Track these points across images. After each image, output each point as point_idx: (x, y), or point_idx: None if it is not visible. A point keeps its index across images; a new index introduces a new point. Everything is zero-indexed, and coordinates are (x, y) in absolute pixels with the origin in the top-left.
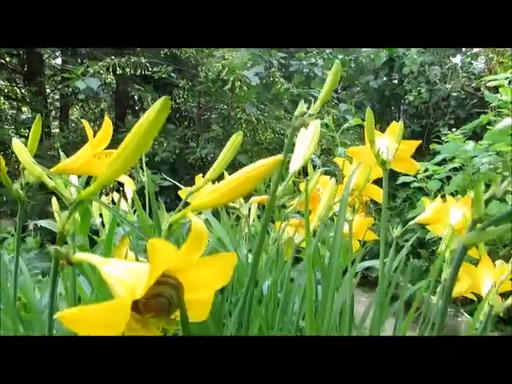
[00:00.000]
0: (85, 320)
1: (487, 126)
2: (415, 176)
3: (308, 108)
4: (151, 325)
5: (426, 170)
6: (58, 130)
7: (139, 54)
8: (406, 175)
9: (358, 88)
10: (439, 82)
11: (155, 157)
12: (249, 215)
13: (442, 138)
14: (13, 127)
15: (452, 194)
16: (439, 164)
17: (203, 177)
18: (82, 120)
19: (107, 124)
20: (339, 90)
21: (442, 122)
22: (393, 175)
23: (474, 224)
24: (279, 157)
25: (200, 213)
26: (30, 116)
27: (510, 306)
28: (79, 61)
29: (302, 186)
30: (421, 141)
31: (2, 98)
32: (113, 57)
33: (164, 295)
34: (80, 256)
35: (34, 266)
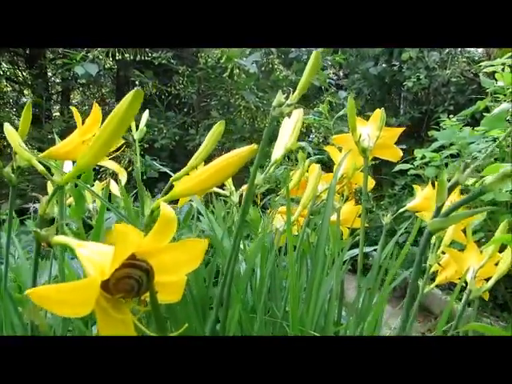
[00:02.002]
0: (54, 298)
1: (484, 113)
2: (412, 163)
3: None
4: (122, 305)
5: (424, 157)
6: (58, 114)
7: None
8: (405, 162)
9: (359, 75)
10: (438, 68)
11: (155, 143)
12: (240, 203)
13: (440, 125)
14: (14, 110)
15: (448, 180)
16: (437, 151)
17: None
18: (71, 107)
19: (96, 111)
20: (341, 77)
21: (442, 108)
22: (391, 163)
23: (438, 210)
24: (254, 146)
25: (191, 200)
26: (31, 99)
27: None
28: None
29: (296, 175)
30: (404, 128)
31: (4, 81)
32: None
33: (133, 277)
34: (58, 239)
35: (33, 248)
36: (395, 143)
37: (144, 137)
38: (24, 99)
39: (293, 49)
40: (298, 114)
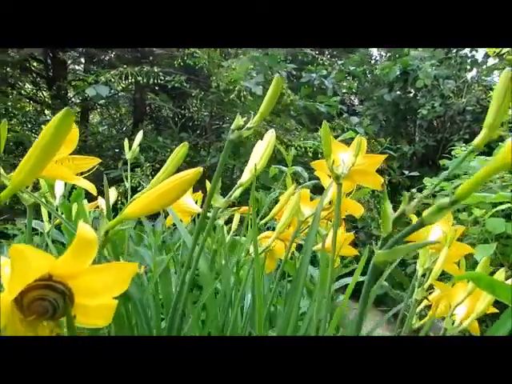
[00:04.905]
0: None
1: (500, 142)
2: (421, 192)
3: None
4: (37, 327)
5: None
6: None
7: (154, 62)
8: (418, 190)
9: (374, 101)
10: (454, 96)
11: None
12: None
13: (452, 153)
14: (34, 129)
15: (458, 211)
16: (449, 180)
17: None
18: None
19: (71, 131)
20: (356, 103)
21: (457, 136)
22: (401, 190)
23: (383, 242)
24: (199, 169)
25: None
26: (49, 119)
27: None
28: (100, 67)
29: (281, 198)
30: (386, 155)
31: (26, 101)
32: (125, 65)
33: (47, 299)
34: None
35: None
36: (409, 170)
37: (156, 157)
38: (41, 118)
39: (304, 74)
40: (270, 136)
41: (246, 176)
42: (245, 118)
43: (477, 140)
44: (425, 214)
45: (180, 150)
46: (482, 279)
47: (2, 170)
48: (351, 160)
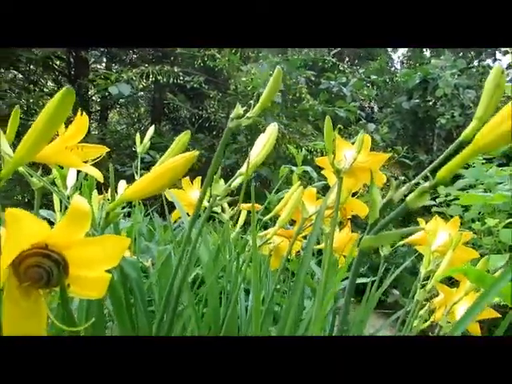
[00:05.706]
0: None
1: None
2: (434, 199)
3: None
4: (32, 295)
5: (448, 194)
6: (96, 132)
7: (174, 62)
8: (431, 199)
9: (392, 109)
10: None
11: None
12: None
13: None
14: None
15: (472, 221)
16: (464, 189)
17: None
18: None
19: (81, 119)
20: (375, 111)
21: None
22: None
23: (370, 228)
24: (194, 152)
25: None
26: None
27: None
28: (121, 66)
29: (286, 196)
30: (390, 154)
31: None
32: (146, 65)
33: (42, 266)
34: None
35: None
36: None
37: None
38: None
39: (323, 80)
40: (272, 129)
41: (244, 168)
42: (245, 108)
43: (466, 131)
44: (408, 199)
45: (182, 138)
46: (470, 272)
47: (10, 151)
48: (353, 156)
